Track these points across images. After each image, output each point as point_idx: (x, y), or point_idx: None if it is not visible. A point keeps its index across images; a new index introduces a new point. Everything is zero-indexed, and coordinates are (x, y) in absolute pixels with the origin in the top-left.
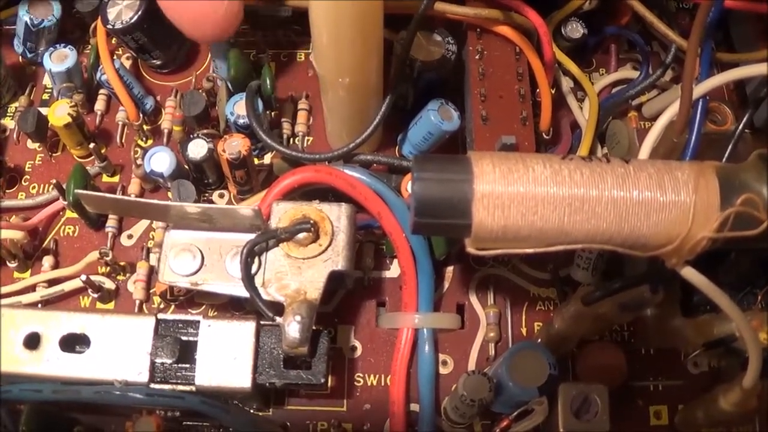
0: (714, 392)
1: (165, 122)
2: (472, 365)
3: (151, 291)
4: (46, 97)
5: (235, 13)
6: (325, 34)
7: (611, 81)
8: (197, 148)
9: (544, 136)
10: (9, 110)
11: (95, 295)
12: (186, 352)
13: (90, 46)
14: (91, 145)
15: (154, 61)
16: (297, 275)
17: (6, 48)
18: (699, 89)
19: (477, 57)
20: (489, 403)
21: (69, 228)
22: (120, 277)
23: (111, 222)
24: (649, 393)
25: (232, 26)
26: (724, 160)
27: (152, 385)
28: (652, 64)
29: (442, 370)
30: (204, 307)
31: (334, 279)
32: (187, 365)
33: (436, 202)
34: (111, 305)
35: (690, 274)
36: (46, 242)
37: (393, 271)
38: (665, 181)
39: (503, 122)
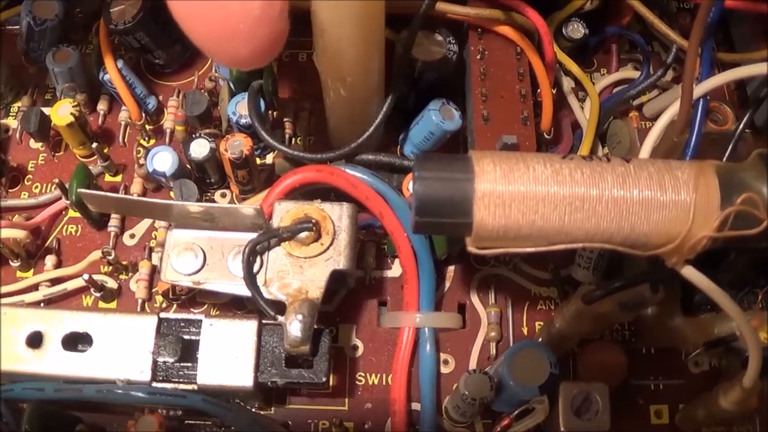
0: (714, 391)
1: (167, 122)
2: (473, 364)
3: (153, 290)
4: (48, 96)
5: (276, 17)
6: (326, 34)
7: (612, 81)
8: (199, 148)
9: (545, 136)
10: (12, 110)
11: (97, 294)
12: (188, 351)
13: (92, 46)
14: (94, 145)
15: (157, 60)
16: (299, 274)
17: (9, 48)
18: (699, 89)
19: (478, 57)
20: (490, 402)
21: (71, 227)
22: (122, 277)
23: (113, 221)
24: (650, 392)
25: (273, 37)
26: (724, 159)
27: (154, 384)
28: (653, 64)
29: (444, 370)
30: (206, 306)
31: (336, 278)
32: (189, 364)
33: (437, 202)
34: (113, 304)
35: (690, 273)
36: (48, 241)
37: (394, 270)
38: (665, 180)
39: (504, 122)
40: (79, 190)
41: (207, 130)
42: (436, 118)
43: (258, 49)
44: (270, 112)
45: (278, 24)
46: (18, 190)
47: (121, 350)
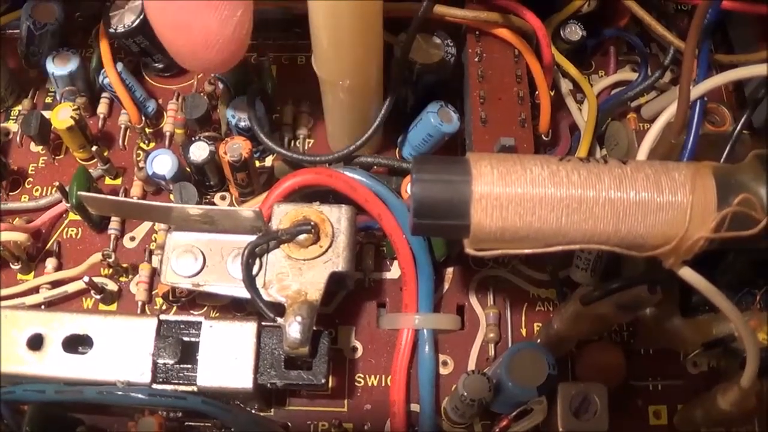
0: (713, 392)
1: (167, 125)
2: (472, 365)
3: (153, 292)
4: (49, 100)
5: (245, 34)
6: (325, 37)
7: (610, 83)
8: (199, 151)
9: (543, 138)
10: (12, 113)
11: (98, 297)
12: (188, 353)
13: (92, 50)
14: (94, 148)
15: (156, 64)
16: (298, 276)
17: (9, 51)
18: (697, 90)
19: (476, 59)
20: (489, 402)
21: (72, 230)
22: (122, 279)
23: (113, 224)
24: (649, 393)
25: (241, 49)
26: (722, 161)
27: (154, 386)
28: (650, 65)
29: (443, 371)
30: (206, 308)
31: (335, 280)
32: (189, 366)
33: (435, 203)
34: (113, 306)
35: (687, 274)
36: (49, 244)
37: (393, 272)
38: (662, 181)
39: (502, 124)
40: (79, 193)
41: (206, 133)
42: (435, 121)
43: (227, 59)
44: (269, 115)
45: (246, 40)
46: (18, 193)
47: (121, 352)
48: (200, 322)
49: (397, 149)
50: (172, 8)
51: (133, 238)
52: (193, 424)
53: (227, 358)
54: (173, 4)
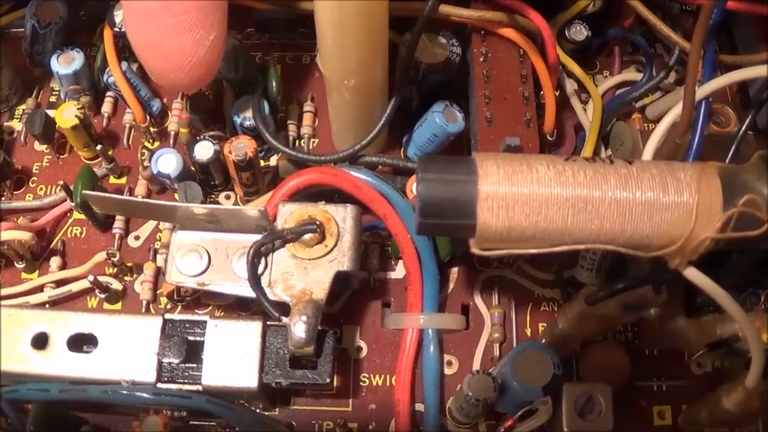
0: (717, 392)
1: (172, 124)
2: (476, 365)
3: (158, 291)
4: (53, 99)
5: (215, 58)
6: (330, 36)
7: (615, 83)
8: (204, 150)
9: (548, 138)
10: (17, 112)
11: (102, 296)
12: (193, 352)
13: (97, 49)
14: (98, 147)
15: None
16: (303, 276)
17: (14, 50)
18: (702, 91)
19: (481, 59)
20: (493, 402)
21: (76, 229)
22: (127, 278)
23: (118, 223)
24: (653, 393)
25: (210, 72)
26: (727, 161)
27: (159, 385)
28: (655, 66)
29: (447, 371)
30: (211, 307)
31: (340, 280)
32: (194, 365)
33: (440, 203)
34: (118, 306)
35: (693, 274)
36: (53, 243)
37: (398, 272)
38: (668, 181)
39: (507, 124)
40: (83, 191)
41: (211, 133)
42: (440, 120)
43: (195, 81)
44: (274, 114)
45: (216, 64)
46: (23, 192)
47: (126, 351)
48: (205, 322)
49: (402, 149)
50: (150, 26)
51: (137, 237)
52: (197, 423)
53: (232, 357)
54: (151, 21)
